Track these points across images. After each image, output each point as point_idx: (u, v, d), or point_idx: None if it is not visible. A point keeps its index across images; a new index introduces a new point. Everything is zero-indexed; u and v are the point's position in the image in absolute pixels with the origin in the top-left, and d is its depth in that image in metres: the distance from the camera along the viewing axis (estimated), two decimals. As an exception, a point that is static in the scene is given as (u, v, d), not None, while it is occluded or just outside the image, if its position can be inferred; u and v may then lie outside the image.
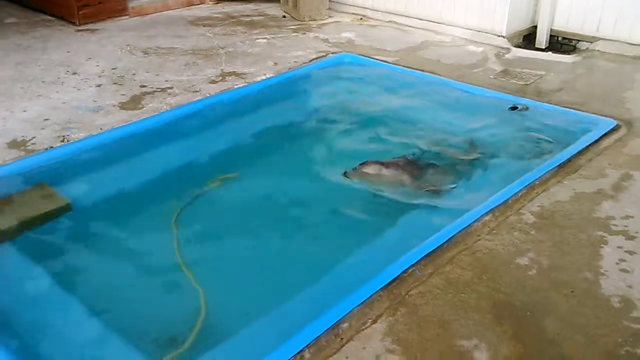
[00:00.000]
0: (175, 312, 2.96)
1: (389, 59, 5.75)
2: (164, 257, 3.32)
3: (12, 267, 3.15)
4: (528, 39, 6.30)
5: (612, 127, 4.22)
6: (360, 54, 5.89)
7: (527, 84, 5.13)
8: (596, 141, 4.05)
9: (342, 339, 2.51)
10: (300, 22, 6.99)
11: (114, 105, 4.67)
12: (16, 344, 2.59)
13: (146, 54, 5.85)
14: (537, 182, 3.61)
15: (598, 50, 5.86)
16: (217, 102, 4.80)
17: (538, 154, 4.14)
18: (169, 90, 4.96)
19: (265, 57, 5.79)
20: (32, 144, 4.08)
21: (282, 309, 2.87)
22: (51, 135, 4.19)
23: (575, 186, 3.57)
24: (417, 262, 2.93)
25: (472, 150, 4.25)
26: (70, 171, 3.90)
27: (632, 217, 3.26)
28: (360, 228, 3.58)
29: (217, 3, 7.86)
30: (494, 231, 3.18)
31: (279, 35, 6.46)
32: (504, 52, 5.94)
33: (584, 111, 4.55)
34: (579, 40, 6.04)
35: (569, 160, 3.84)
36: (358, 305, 2.66)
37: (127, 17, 7.15)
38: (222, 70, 5.43)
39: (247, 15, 7.32)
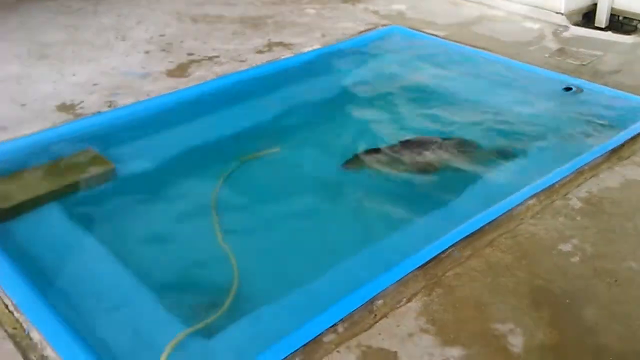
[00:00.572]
0: (211, 280, 3.01)
1: (440, 33, 5.63)
2: (203, 225, 3.36)
3: (58, 227, 3.23)
4: (587, 18, 6.06)
5: (670, 112, 4.06)
6: (410, 27, 5.78)
7: (583, 64, 4.96)
8: (652, 127, 3.90)
9: (376, 315, 2.51)
10: (350, -7, 6.90)
11: (161, 72, 4.71)
12: (58, 302, 2.66)
13: (195, 21, 5.87)
14: (587, 167, 3.51)
15: (660, 31, 5.63)
16: (263, 73, 4.79)
17: (589, 137, 4.01)
18: (215, 59, 4.97)
19: (314, 27, 5.74)
20: (81, 108, 4.15)
21: (318, 282, 2.88)
22: (99, 100, 4.25)
23: (627, 173, 3.45)
24: (455, 243, 2.89)
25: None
26: (116, 137, 3.95)
27: (684, 207, 3.15)
28: (401, 205, 3.54)
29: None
30: (538, 215, 3.11)
31: (328, 6, 6.38)
32: (561, 30, 5.74)
33: (641, 95, 4.39)
34: (640, 21, 5.80)
35: (622, 145, 3.71)
36: (394, 283, 2.65)
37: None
38: (269, 40, 5.41)
39: (298, -16, 7.26)
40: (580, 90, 4.53)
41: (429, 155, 3.84)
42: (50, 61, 4.89)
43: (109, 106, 4.17)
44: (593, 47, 5.31)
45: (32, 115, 4.05)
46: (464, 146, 3.96)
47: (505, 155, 3.91)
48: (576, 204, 3.21)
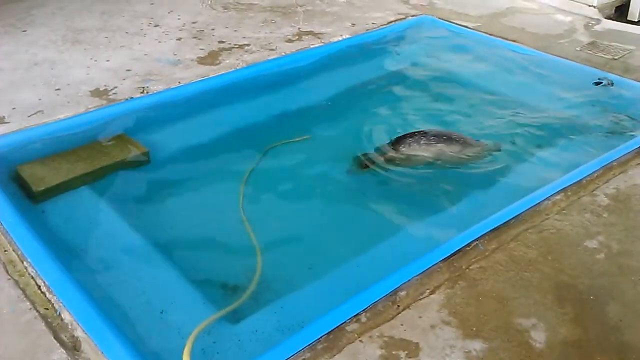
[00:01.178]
0: (237, 265, 3.06)
1: (470, 25, 5.59)
2: (232, 210, 3.41)
3: (90, 210, 3.31)
4: (620, 11, 5.96)
5: (702, 110, 4.00)
6: (440, 18, 5.75)
7: (614, 59, 4.90)
8: (684, 124, 3.85)
9: (398, 306, 2.54)
10: (381, -18, 6.87)
11: (192, 60, 4.77)
12: (88, 282, 2.72)
13: (226, 9, 5.91)
14: (615, 164, 3.48)
15: (696, 26, 5.52)
16: (292, 62, 4.81)
17: (619, 133, 3.97)
18: (246, 47, 5.01)
19: (343, 17, 5.74)
20: (114, 93, 4.22)
21: (342, 271, 2.92)
22: (132, 86, 4.32)
23: (656, 170, 3.42)
24: (481, 236, 2.90)
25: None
26: (148, 122, 4.02)
27: None
28: (428, 198, 3.56)
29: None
30: (564, 211, 3.10)
31: (359, -5, 6.38)
32: (593, 23, 5.67)
33: (674, 91, 4.33)
34: (675, 15, 5.70)
35: (652, 142, 3.67)
36: (417, 275, 2.67)
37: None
38: (299, 29, 5.43)
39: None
40: (610, 84, 4.48)
41: (448, 149, 3.82)
42: (84, 47, 4.97)
43: (142, 92, 4.23)
44: (625, 41, 5.24)
45: (66, 99, 4.13)
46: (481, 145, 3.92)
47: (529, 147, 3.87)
48: (603, 200, 3.19)
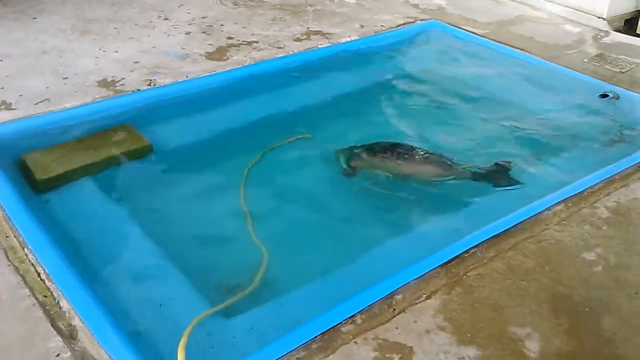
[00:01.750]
0: (237, 261, 3.09)
1: (479, 31, 5.60)
2: (233, 207, 3.44)
3: (92, 200, 3.33)
4: (630, 24, 5.96)
5: None
6: (449, 23, 5.75)
7: (622, 72, 4.90)
8: (688, 141, 3.86)
9: (394, 309, 2.55)
10: (392, -15, 6.88)
11: (200, 55, 4.78)
12: (87, 273, 2.75)
13: (236, 5, 5.92)
14: (617, 177, 3.49)
15: None
16: (300, 61, 4.82)
17: (623, 146, 3.98)
18: (254, 44, 5.02)
19: (353, 18, 5.75)
20: (121, 84, 4.24)
21: (339, 273, 2.93)
22: (139, 78, 4.34)
23: (658, 185, 3.43)
24: (479, 243, 2.91)
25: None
26: (153, 115, 4.04)
27: None
28: (427, 202, 3.57)
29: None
30: (564, 222, 3.11)
31: (369, -3, 6.39)
32: (602, 35, 5.67)
33: (679, 107, 4.33)
34: (685, 30, 5.70)
35: (655, 157, 3.68)
36: (414, 279, 2.69)
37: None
38: (308, 28, 5.44)
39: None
40: (616, 98, 4.48)
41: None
42: (93, 37, 4.99)
43: (149, 85, 4.25)
44: (633, 54, 5.23)
45: (73, 89, 4.15)
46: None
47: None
48: (603, 212, 3.20)
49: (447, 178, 3.69)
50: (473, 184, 3.68)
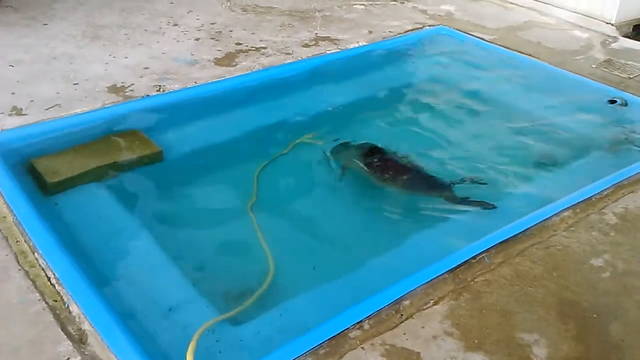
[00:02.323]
0: (245, 268, 3.10)
1: (487, 37, 5.61)
2: (242, 212, 3.45)
3: (102, 205, 3.35)
4: (638, 30, 5.96)
5: None
6: (457, 29, 5.76)
7: (630, 78, 4.89)
8: (696, 147, 3.85)
9: (402, 315, 2.56)
10: (400, -9, 6.90)
11: (209, 60, 4.81)
12: (97, 277, 2.77)
13: (245, 11, 5.96)
14: (626, 183, 3.49)
15: None
16: (308, 67, 4.84)
17: (631, 152, 3.97)
18: (262, 50, 5.05)
19: (361, 24, 5.77)
20: (131, 90, 4.27)
21: (349, 277, 2.94)
22: (149, 84, 4.37)
23: (666, 191, 3.42)
24: (487, 249, 2.91)
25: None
26: (162, 121, 4.06)
27: None
28: (435, 208, 3.57)
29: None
30: (572, 228, 3.11)
31: (377, 3, 6.40)
32: (610, 40, 5.66)
33: (688, 113, 4.32)
34: (693, 35, 5.69)
35: (664, 163, 3.67)
36: (422, 285, 2.69)
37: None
38: (316, 34, 5.46)
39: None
40: (625, 104, 4.47)
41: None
42: (103, 43, 5.03)
43: (158, 90, 4.28)
44: (642, 60, 5.23)
45: (83, 94, 4.18)
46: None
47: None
48: (611, 219, 3.19)
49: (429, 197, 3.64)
50: (485, 187, 3.67)
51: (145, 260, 2.99)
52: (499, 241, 2.97)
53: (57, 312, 2.53)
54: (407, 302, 2.61)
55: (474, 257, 2.87)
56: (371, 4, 6.35)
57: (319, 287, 2.90)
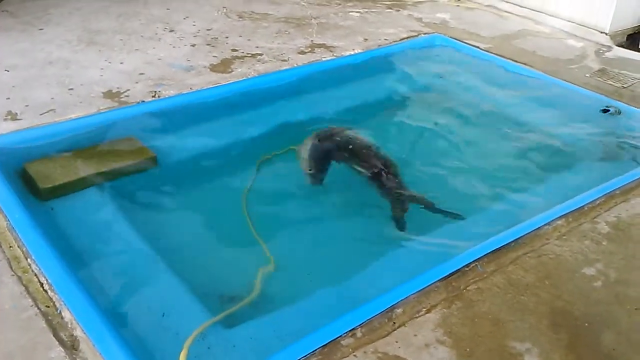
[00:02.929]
0: (239, 273, 3.10)
1: (482, 45, 5.63)
2: (236, 217, 3.45)
3: (96, 211, 3.34)
4: (632, 39, 5.99)
5: None
6: (452, 37, 5.79)
7: (624, 87, 4.92)
8: (689, 156, 3.87)
9: (394, 323, 2.56)
10: (396, -1, 6.93)
11: (205, 67, 4.82)
12: (89, 283, 2.76)
13: (241, 17, 5.97)
14: (618, 192, 3.50)
15: None
16: (303, 74, 4.86)
17: (623, 161, 3.99)
18: (258, 57, 5.06)
19: (357, 31, 5.79)
20: (126, 96, 4.28)
21: (341, 286, 2.94)
22: (144, 90, 4.37)
23: (658, 200, 3.44)
24: (479, 257, 2.92)
25: None
26: (157, 127, 4.06)
27: None
28: (430, 216, 3.58)
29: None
30: (564, 237, 3.13)
31: (373, 10, 6.43)
32: (604, 50, 5.70)
33: (681, 122, 4.35)
34: (687, 45, 5.73)
35: (656, 172, 3.69)
36: (414, 293, 2.70)
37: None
38: (312, 41, 5.48)
39: (344, -13, 7.31)
40: (618, 113, 4.50)
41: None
42: (99, 48, 5.04)
43: (153, 96, 4.29)
44: (635, 69, 5.26)
45: (79, 99, 4.18)
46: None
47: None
48: (604, 228, 3.21)
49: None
50: (478, 196, 3.68)
51: (139, 266, 2.99)
52: (491, 249, 2.98)
53: (50, 318, 2.53)
54: (399, 310, 2.62)
55: (466, 266, 2.88)
56: (367, 12, 6.38)
57: (312, 293, 2.91)
